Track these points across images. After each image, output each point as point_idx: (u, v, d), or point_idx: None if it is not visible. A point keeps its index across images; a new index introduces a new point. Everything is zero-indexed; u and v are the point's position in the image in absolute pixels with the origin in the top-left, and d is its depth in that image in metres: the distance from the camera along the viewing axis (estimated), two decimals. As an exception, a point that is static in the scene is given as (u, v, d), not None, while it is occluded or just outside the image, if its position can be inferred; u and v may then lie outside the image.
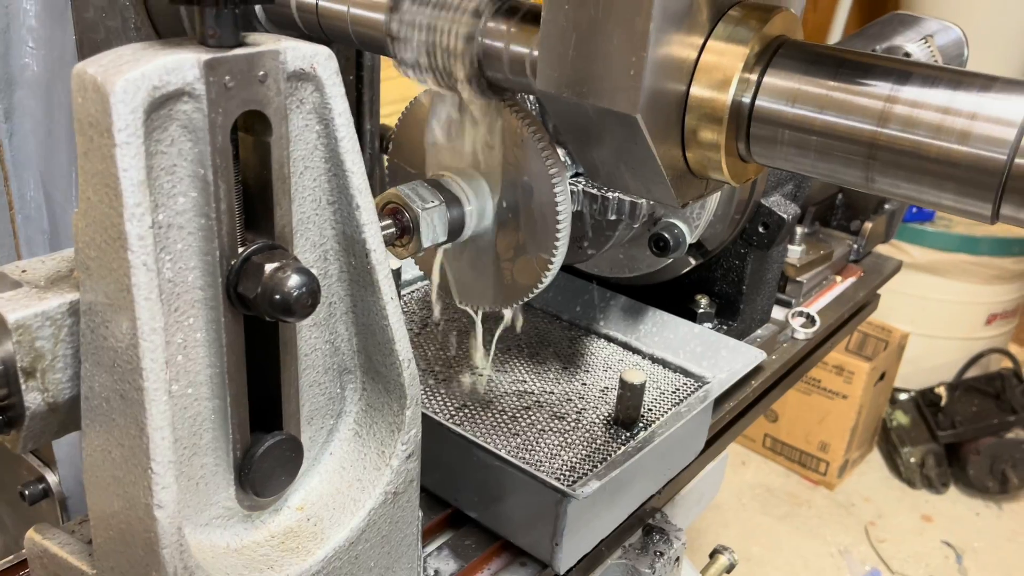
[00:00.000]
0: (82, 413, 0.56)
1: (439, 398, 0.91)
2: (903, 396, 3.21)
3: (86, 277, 0.52)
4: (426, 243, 0.78)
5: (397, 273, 1.06)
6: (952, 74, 0.56)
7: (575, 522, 0.78)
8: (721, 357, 0.97)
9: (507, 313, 0.90)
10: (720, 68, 0.61)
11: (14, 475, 1.03)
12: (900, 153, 0.56)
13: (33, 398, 0.54)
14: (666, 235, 0.98)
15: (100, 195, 0.49)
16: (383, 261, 0.64)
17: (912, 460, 3.04)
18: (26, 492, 0.99)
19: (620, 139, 0.62)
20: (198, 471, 0.60)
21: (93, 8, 0.92)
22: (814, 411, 2.97)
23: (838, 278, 1.48)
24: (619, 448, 0.85)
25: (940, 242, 3.16)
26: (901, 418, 3.15)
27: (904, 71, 0.57)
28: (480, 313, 0.90)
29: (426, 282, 1.08)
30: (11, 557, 0.79)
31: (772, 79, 0.61)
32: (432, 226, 0.79)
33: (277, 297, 0.55)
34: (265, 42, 0.54)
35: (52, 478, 1.00)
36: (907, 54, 1.20)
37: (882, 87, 0.57)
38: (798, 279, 1.36)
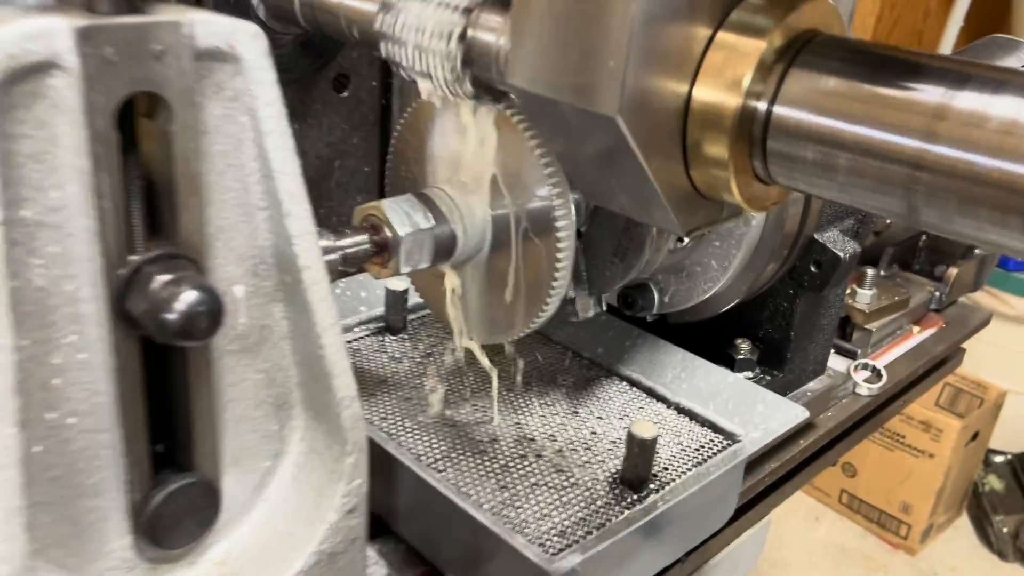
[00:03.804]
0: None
1: (426, 439, 0.80)
2: (998, 459, 2.94)
3: (-61, 280, 0.45)
4: (404, 269, 0.69)
5: (403, 296, 0.97)
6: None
7: (558, 598, 0.66)
8: (756, 412, 0.84)
9: (508, 348, 0.80)
10: (729, 66, 0.49)
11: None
12: (950, 177, 0.44)
13: None
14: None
15: (-56, 183, 0.41)
16: (321, 280, 0.54)
17: (1005, 530, 2.78)
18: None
19: (605, 149, 0.51)
20: (85, 515, 0.51)
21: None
22: (897, 469, 2.75)
23: (916, 328, 1.32)
24: (621, 512, 0.74)
25: (1046, 293, 2.91)
26: (995, 483, 2.89)
27: (962, 73, 0.45)
28: (481, 348, 0.80)
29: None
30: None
31: (795, 81, 0.49)
32: (414, 253, 0.69)
33: (167, 316, 0.46)
34: (167, 12, 0.46)
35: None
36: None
37: (932, 93, 0.45)
38: (867, 327, 1.21)
